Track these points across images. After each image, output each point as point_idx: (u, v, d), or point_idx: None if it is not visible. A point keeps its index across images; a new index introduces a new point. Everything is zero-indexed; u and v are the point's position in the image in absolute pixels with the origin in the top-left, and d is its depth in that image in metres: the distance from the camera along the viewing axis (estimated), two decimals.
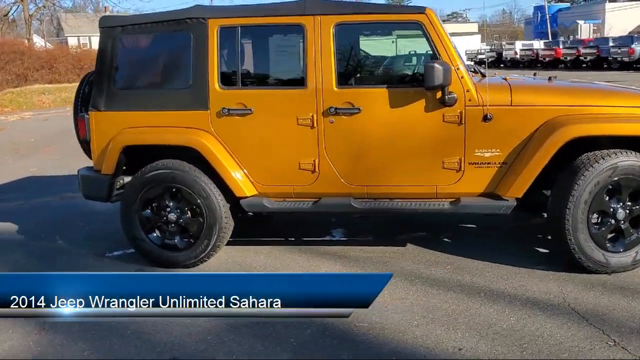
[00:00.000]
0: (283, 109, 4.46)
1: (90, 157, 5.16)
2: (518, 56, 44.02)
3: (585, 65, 37.48)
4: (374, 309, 3.52)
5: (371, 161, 4.43)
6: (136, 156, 4.70)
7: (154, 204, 4.67)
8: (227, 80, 4.54)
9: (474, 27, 59.23)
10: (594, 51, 36.91)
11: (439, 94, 4.23)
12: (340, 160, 4.43)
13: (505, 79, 4.60)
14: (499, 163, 4.31)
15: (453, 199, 4.41)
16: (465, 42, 44.55)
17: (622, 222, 4.12)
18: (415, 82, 4.37)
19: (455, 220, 5.57)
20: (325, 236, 5.37)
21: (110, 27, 4.66)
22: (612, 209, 4.12)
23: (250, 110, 4.45)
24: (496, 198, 4.34)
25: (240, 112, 4.46)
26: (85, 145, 5.01)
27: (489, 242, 5.08)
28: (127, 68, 4.80)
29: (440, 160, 4.35)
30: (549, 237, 4.71)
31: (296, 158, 4.49)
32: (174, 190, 4.59)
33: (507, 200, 4.27)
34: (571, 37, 58.40)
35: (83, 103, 5.04)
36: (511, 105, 4.25)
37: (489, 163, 4.32)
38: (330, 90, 4.35)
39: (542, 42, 48.86)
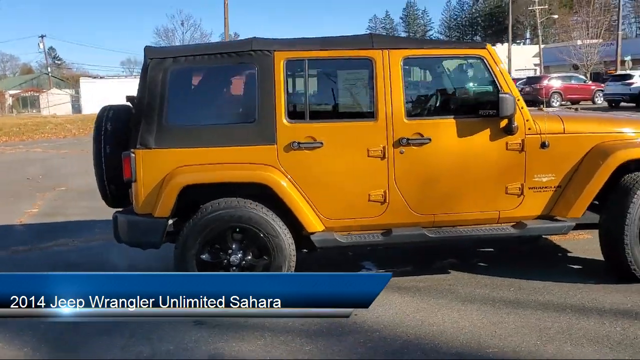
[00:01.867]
0: (354, 141, 4.43)
1: (110, 200, 4.73)
2: None
3: None
4: (495, 334, 3.63)
5: (440, 190, 4.54)
6: (185, 197, 4.36)
7: (214, 247, 4.35)
8: (294, 113, 4.42)
9: None
10: None
11: (502, 124, 4.48)
12: (409, 190, 4.48)
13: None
14: (554, 187, 4.63)
15: (514, 223, 4.63)
16: None
17: None
18: (480, 112, 4.56)
19: (472, 246, 5.81)
20: (359, 269, 5.32)
21: (161, 59, 4.33)
22: None
23: (321, 143, 4.36)
24: (550, 219, 4.64)
25: (311, 145, 4.36)
26: (107, 187, 4.58)
27: (520, 262, 5.38)
28: (181, 102, 4.46)
29: (504, 186, 4.58)
30: (562, 252, 5.11)
31: (366, 190, 4.46)
32: (237, 230, 4.32)
33: (566, 220, 4.58)
34: None
35: (107, 141, 4.61)
36: (564, 133, 4.61)
37: (546, 187, 4.62)
38: (401, 121, 4.41)
39: None
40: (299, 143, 4.34)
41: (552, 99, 30.99)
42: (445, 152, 4.49)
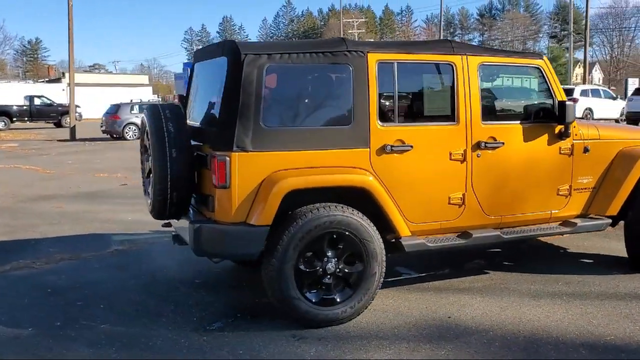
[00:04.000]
0: (438, 144, 4.46)
1: (167, 211, 4.25)
2: None
3: None
4: (592, 323, 3.92)
5: (508, 192, 4.74)
6: None
7: (309, 255, 4.09)
8: (384, 116, 4.32)
9: (145, 79, 59.53)
10: None
11: (557, 129, 4.83)
12: (483, 193, 4.62)
13: None
14: (591, 188, 5.09)
15: (561, 222, 5.00)
16: (137, 93, 44.76)
17: None
18: (540, 118, 4.85)
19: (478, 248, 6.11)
20: (397, 276, 5.32)
21: (256, 55, 3.97)
22: None
23: (411, 146, 4.33)
24: (585, 217, 5.08)
25: (401, 149, 4.31)
26: (170, 195, 4.13)
27: (536, 259, 5.79)
28: (277, 101, 4.11)
29: (556, 187, 4.93)
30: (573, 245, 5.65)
31: (447, 193, 4.52)
32: (334, 237, 4.11)
33: (603, 218, 5.06)
34: None
35: (174, 144, 4.13)
36: (599, 139, 5.09)
37: (585, 188, 5.06)
38: (478, 125, 4.55)
39: None
40: (391, 147, 4.27)
41: None
42: (515, 156, 4.71)
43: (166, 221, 5.19)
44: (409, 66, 4.45)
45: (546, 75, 4.86)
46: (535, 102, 4.99)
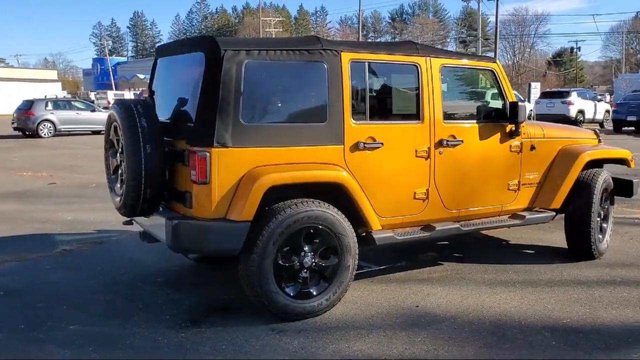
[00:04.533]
0: (405, 141, 4.66)
1: (139, 208, 4.22)
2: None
3: None
4: (547, 308, 4.28)
5: (465, 187, 5.02)
6: None
7: (287, 250, 4.17)
8: (357, 114, 4.46)
9: (53, 74, 56.96)
10: None
11: (508, 128, 5.16)
12: (444, 188, 4.87)
13: None
14: (536, 183, 5.47)
15: (509, 215, 5.34)
16: (47, 89, 42.97)
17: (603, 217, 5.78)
18: (493, 117, 5.16)
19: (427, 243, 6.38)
20: (359, 269, 5.46)
21: (235, 51, 4.00)
22: (604, 208, 5.73)
23: (381, 143, 4.50)
24: (531, 211, 5.46)
25: (373, 146, 4.47)
26: (143, 191, 4.11)
27: (480, 250, 6.13)
28: (255, 99, 4.12)
29: (507, 182, 5.26)
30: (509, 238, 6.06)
31: (412, 188, 4.73)
32: (310, 232, 4.22)
33: (548, 211, 5.45)
34: (139, 89, 62.02)
35: (148, 140, 4.10)
36: (544, 138, 5.48)
37: (531, 184, 5.43)
38: (440, 124, 4.79)
39: (132, 92, 50.82)
40: (364, 143, 4.42)
41: None
42: (472, 153, 4.99)
43: (128, 219, 5.11)
44: (378, 66, 4.63)
45: (499, 77, 5.18)
46: (489, 103, 5.31)
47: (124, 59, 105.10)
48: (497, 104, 5.23)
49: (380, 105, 4.77)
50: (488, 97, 5.34)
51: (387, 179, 4.59)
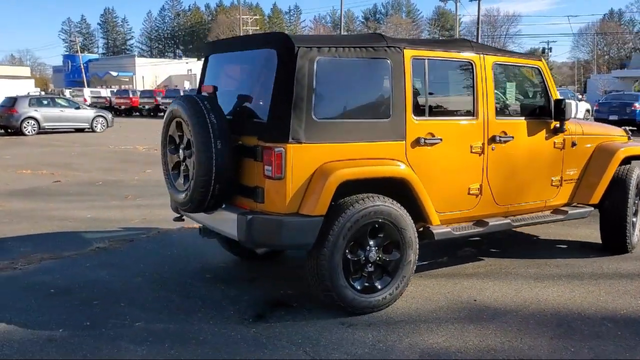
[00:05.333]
0: (461, 137, 4.73)
1: (205, 204, 4.20)
2: (88, 102, 43.81)
3: (164, 113, 40.34)
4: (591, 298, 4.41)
5: (514, 182, 5.11)
6: None
7: (352, 245, 4.20)
8: (417, 110, 4.51)
9: (26, 71, 55.84)
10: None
11: (553, 125, 5.27)
12: (496, 183, 4.95)
13: None
14: (576, 179, 5.60)
15: (552, 210, 5.46)
16: (20, 86, 42.29)
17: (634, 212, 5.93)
18: (540, 114, 5.27)
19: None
20: None
21: (308, 48, 4.01)
22: (635, 204, 5.87)
23: (440, 139, 4.56)
24: (570, 206, 5.58)
25: (432, 141, 4.52)
26: (213, 187, 4.11)
27: (523, 246, 6.24)
28: (325, 95, 4.13)
29: (550, 178, 5.37)
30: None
31: (467, 183, 4.80)
32: (375, 226, 4.25)
33: (587, 206, 5.58)
34: (112, 86, 61.37)
35: (219, 136, 4.09)
36: (583, 135, 5.61)
37: (571, 179, 5.56)
38: (493, 120, 4.87)
39: (108, 90, 50.18)
40: (424, 139, 4.48)
41: None
42: (521, 149, 5.09)
43: (178, 215, 5.09)
44: (437, 63, 4.68)
45: (544, 75, 5.29)
46: (536, 100, 5.40)
47: (96, 55, 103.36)
48: (542, 101, 5.33)
49: (438, 101, 4.83)
50: (535, 94, 5.43)
51: (444, 174, 4.65)
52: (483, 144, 4.83)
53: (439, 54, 4.66)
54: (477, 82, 4.80)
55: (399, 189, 4.37)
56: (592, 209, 5.62)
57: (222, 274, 5.28)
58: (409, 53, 4.44)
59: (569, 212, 5.44)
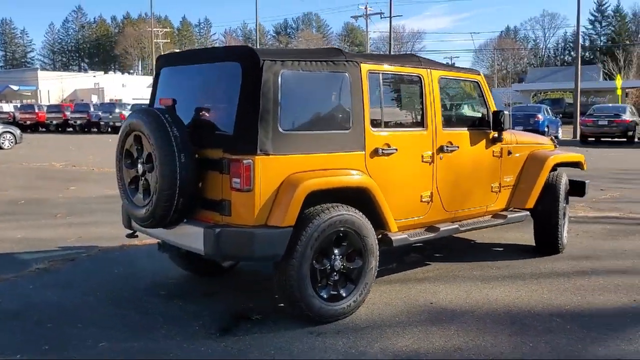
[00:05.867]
0: (414, 148, 4.93)
1: (168, 218, 4.18)
2: None
3: (74, 128, 38.99)
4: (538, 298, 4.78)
5: (460, 189, 5.37)
6: None
7: (318, 255, 4.28)
8: (373, 122, 4.66)
9: None
10: (84, 116, 38.68)
11: (491, 135, 5.60)
12: (444, 191, 5.19)
13: None
14: (512, 185, 5.96)
15: (491, 215, 5.78)
16: None
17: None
18: (480, 124, 5.57)
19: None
20: None
21: (272, 61, 4.07)
22: (564, 207, 6.31)
23: (395, 149, 4.74)
24: (507, 211, 5.93)
25: (388, 152, 4.70)
26: (176, 201, 4.09)
27: (463, 250, 6.52)
28: (290, 107, 4.17)
29: (490, 185, 5.69)
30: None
31: (419, 191, 5.01)
32: (340, 235, 4.36)
33: (523, 211, 5.94)
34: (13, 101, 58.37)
35: (182, 149, 4.08)
36: (517, 144, 5.98)
37: (508, 186, 5.91)
38: (440, 131, 5.12)
39: (11, 104, 47.62)
40: (382, 150, 4.64)
41: None
42: (465, 158, 5.37)
43: (131, 232, 4.99)
44: (389, 76, 4.88)
45: (482, 88, 5.62)
46: (476, 112, 5.72)
47: None
48: (482, 112, 5.65)
49: (392, 113, 5.02)
50: (474, 106, 5.74)
51: (400, 182, 4.84)
52: (432, 153, 5.06)
53: (391, 68, 4.85)
54: (425, 95, 5.03)
55: (360, 198, 4.50)
56: (528, 213, 6.00)
57: (177, 290, 5.19)
58: (365, 67, 4.60)
59: (508, 216, 5.78)
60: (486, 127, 5.60)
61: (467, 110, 5.81)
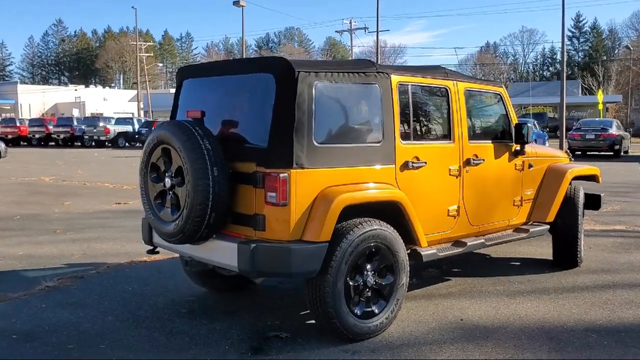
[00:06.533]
0: (442, 160, 4.86)
1: (201, 234, 4.04)
2: None
3: (57, 142, 38.53)
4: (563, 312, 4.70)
5: (485, 203, 5.31)
6: None
7: (351, 270, 4.17)
8: (404, 135, 4.59)
9: None
10: (67, 129, 38.29)
11: (514, 148, 5.55)
12: (470, 205, 5.12)
13: None
14: (532, 199, 5.90)
15: (513, 229, 5.71)
16: None
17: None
18: (502, 137, 5.53)
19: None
20: None
21: (306, 72, 3.98)
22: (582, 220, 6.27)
23: (425, 163, 4.67)
24: (527, 225, 5.88)
25: (418, 165, 4.62)
26: (209, 216, 3.96)
27: (480, 265, 6.44)
28: (323, 120, 4.07)
29: (513, 198, 5.63)
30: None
31: (447, 205, 4.93)
32: (372, 251, 4.25)
33: (543, 224, 5.89)
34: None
35: (215, 162, 3.96)
36: (537, 157, 5.94)
37: (529, 199, 5.86)
38: (466, 144, 5.06)
39: None
40: (412, 163, 4.56)
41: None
42: (489, 171, 5.31)
43: (152, 248, 4.84)
44: (417, 88, 4.80)
45: (505, 101, 5.57)
46: (499, 124, 5.66)
47: None
48: (504, 125, 5.60)
49: (421, 126, 4.94)
50: (498, 119, 5.69)
51: (428, 196, 4.75)
52: (460, 166, 4.99)
53: (419, 80, 4.79)
54: (452, 107, 4.97)
55: (391, 213, 4.40)
56: (548, 226, 5.95)
57: (198, 308, 5.03)
58: (395, 79, 4.53)
59: (530, 230, 5.72)
60: (508, 139, 5.56)
61: (490, 123, 5.75)
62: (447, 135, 4.98)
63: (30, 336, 4.38)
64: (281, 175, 3.85)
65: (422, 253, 4.64)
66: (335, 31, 52.21)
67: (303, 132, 3.94)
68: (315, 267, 3.93)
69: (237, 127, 4.35)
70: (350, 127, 4.40)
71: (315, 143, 4.01)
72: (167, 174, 4.24)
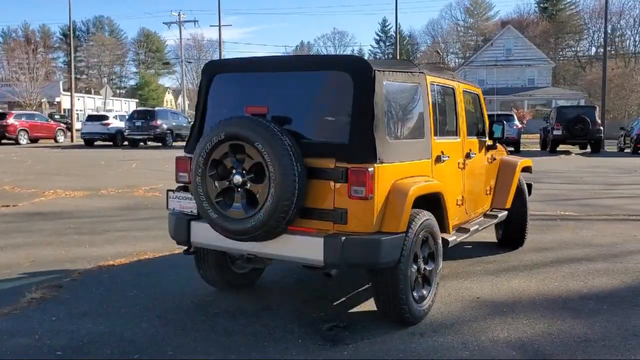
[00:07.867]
0: (455, 154, 5.31)
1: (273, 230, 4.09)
2: None
3: None
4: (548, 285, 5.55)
5: (474, 193, 5.86)
6: None
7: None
8: (435, 131, 4.93)
9: None
10: None
11: (488, 142, 6.20)
12: (467, 194, 5.65)
13: None
14: (492, 189, 6.61)
15: (484, 215, 6.37)
16: None
17: None
18: (482, 134, 6.12)
19: None
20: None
21: (380, 71, 4.16)
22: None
23: (448, 157, 5.08)
24: (491, 211, 6.59)
25: (445, 159, 5.02)
26: (291, 211, 4.03)
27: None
28: (392, 117, 4.29)
29: (486, 188, 6.28)
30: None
31: (457, 195, 5.40)
32: (423, 239, 4.57)
33: (503, 210, 6.63)
34: None
35: (298, 158, 4.02)
36: (495, 151, 6.66)
37: (492, 189, 6.55)
38: (466, 139, 5.59)
39: None
40: (441, 157, 4.94)
41: (20, 136, 30.35)
42: (476, 164, 5.88)
43: (187, 248, 4.67)
44: (440, 88, 5.19)
45: (481, 100, 6.19)
46: (479, 122, 6.25)
47: None
48: (482, 122, 6.22)
49: (443, 123, 5.32)
50: (477, 117, 6.27)
51: (450, 188, 5.17)
52: (463, 159, 5.49)
53: (441, 80, 5.19)
54: (457, 106, 5.45)
55: (431, 203, 4.74)
56: (506, 212, 6.70)
57: (229, 308, 4.84)
58: (429, 79, 4.88)
59: (498, 215, 6.42)
60: (483, 136, 6.19)
61: (475, 121, 6.33)
62: (455, 132, 5.45)
63: (79, 350, 3.99)
64: (369, 169, 3.99)
65: (449, 239, 5.04)
66: (163, 22, 50.48)
67: (380, 128, 4.12)
68: (396, 256, 4.14)
69: (304, 124, 4.36)
70: (407, 123, 4.66)
71: (388, 139, 4.22)
72: (236, 171, 4.14)
